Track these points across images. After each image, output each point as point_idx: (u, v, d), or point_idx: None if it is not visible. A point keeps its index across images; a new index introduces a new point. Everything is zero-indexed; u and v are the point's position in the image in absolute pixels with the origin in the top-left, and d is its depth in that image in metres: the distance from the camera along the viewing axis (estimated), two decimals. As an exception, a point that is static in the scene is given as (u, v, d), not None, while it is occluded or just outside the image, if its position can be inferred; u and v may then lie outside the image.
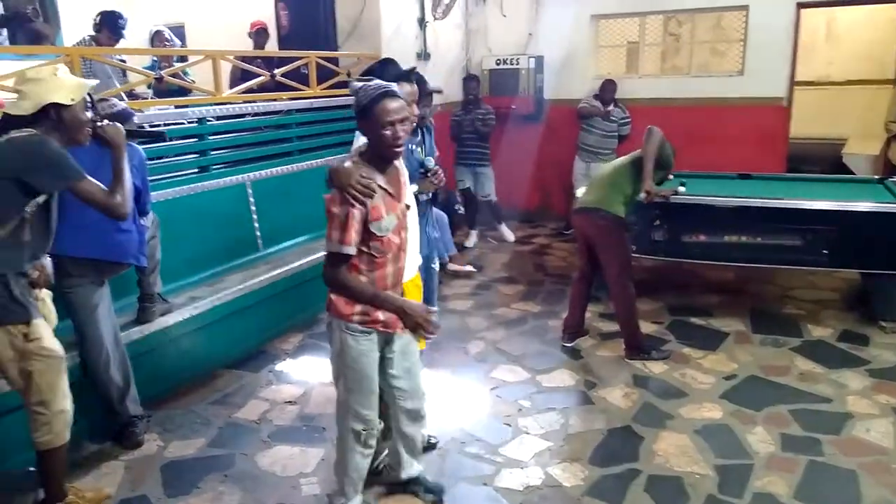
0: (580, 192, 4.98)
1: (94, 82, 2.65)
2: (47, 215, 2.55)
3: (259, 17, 6.51)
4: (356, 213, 2.19)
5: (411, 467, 2.86)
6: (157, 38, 6.38)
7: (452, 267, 5.95)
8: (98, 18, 5.03)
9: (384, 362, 2.51)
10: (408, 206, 2.43)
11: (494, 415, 3.60)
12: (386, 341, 2.48)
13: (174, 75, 4.66)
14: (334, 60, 5.77)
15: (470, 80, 6.84)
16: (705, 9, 6.97)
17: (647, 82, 7.26)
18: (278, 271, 4.46)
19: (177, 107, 4.76)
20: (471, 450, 3.27)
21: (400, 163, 2.40)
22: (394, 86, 2.23)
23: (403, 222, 2.37)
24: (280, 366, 4.24)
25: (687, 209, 4.65)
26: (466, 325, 4.84)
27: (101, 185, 2.55)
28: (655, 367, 4.07)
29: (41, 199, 2.45)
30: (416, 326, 2.34)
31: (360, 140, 2.71)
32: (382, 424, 2.65)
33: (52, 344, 2.58)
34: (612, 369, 4.09)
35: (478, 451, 3.26)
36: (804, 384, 3.83)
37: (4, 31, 5.86)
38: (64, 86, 2.46)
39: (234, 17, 6.82)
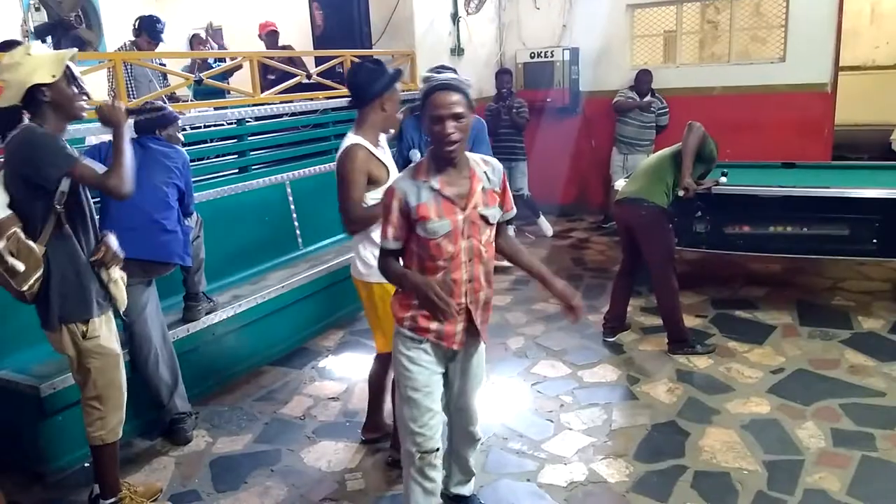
0: (618, 184, 4.93)
1: (72, 52, 2.52)
2: (79, 201, 2.50)
3: (296, 16, 6.57)
4: (394, 206, 2.13)
5: (461, 485, 2.73)
6: (194, 41, 6.51)
7: (490, 262, 5.94)
8: (137, 23, 5.15)
9: (445, 380, 2.41)
10: (484, 219, 2.21)
11: (536, 410, 3.59)
12: (449, 357, 2.36)
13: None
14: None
15: (503, 73, 6.81)
16: (744, -6, 6.83)
17: (685, 71, 7.13)
18: (319, 269, 4.51)
19: (216, 108, 4.84)
20: (513, 445, 3.27)
21: (477, 169, 2.22)
22: (461, 78, 2.13)
23: (466, 231, 2.18)
24: (322, 362, 4.28)
25: (730, 200, 4.56)
26: (506, 320, 4.83)
27: (98, 167, 2.45)
28: (700, 362, 4.01)
29: (58, 191, 2.40)
30: (430, 304, 2.13)
31: (346, 142, 2.73)
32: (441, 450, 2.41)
33: (109, 342, 2.60)
34: (656, 364, 4.04)
35: (520, 446, 3.25)
36: (855, 377, 3.73)
37: (49, 39, 6.02)
38: (42, 63, 2.35)
39: (271, 18, 6.89)
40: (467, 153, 2.22)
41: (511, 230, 6.94)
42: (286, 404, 3.78)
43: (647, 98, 6.65)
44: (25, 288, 2.40)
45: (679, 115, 6.54)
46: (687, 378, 3.84)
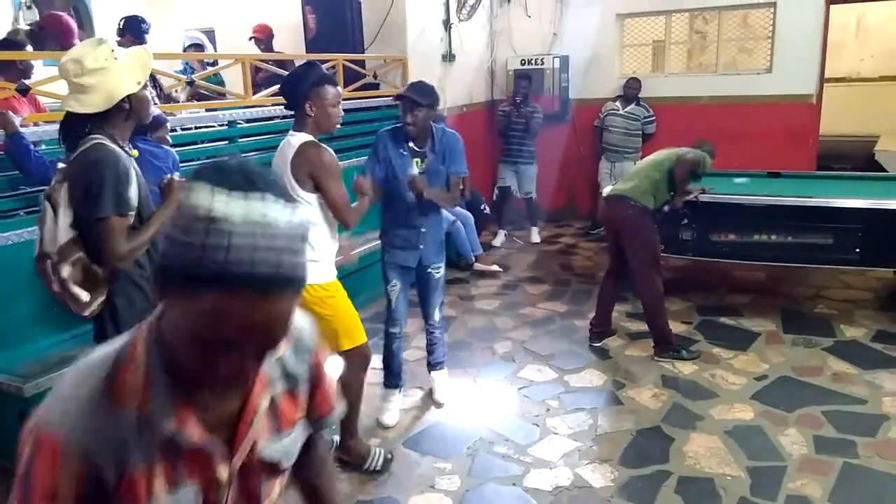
0: (606, 190, 4.97)
1: (150, 53, 2.35)
2: (143, 220, 2.34)
3: (289, 19, 6.54)
4: (62, 483, 0.85)
5: None
6: (192, 49, 6.50)
7: (479, 266, 5.97)
8: (122, 23, 5.13)
9: None
10: (273, 466, 1.04)
11: (522, 415, 3.61)
12: None
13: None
14: (361, 63, 5.82)
15: (522, 77, 6.83)
16: (732, 6, 6.90)
17: (673, 81, 7.20)
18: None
19: (208, 110, 4.83)
20: (499, 450, 3.28)
21: (270, 375, 1.02)
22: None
23: (231, 497, 0.99)
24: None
25: (716, 208, 4.61)
26: (493, 324, 4.85)
27: (124, 232, 2.22)
28: (685, 368, 4.05)
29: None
30: None
31: (297, 139, 2.77)
32: None
33: None
34: (641, 369, 4.07)
35: (506, 451, 3.27)
36: (838, 385, 3.78)
37: (39, 38, 5.98)
38: (129, 68, 2.22)
39: (264, 21, 6.89)
40: None
41: (502, 234, 7.00)
42: None
43: (631, 107, 6.71)
44: (87, 313, 2.28)
45: (667, 123, 6.62)
46: (672, 384, 3.87)
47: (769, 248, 4.65)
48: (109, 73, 2.17)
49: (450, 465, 3.16)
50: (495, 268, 6.03)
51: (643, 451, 3.23)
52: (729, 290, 5.31)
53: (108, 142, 2.21)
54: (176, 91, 5.04)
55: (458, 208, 6.05)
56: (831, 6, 6.42)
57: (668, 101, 6.93)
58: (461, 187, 3.57)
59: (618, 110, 6.80)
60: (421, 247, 3.48)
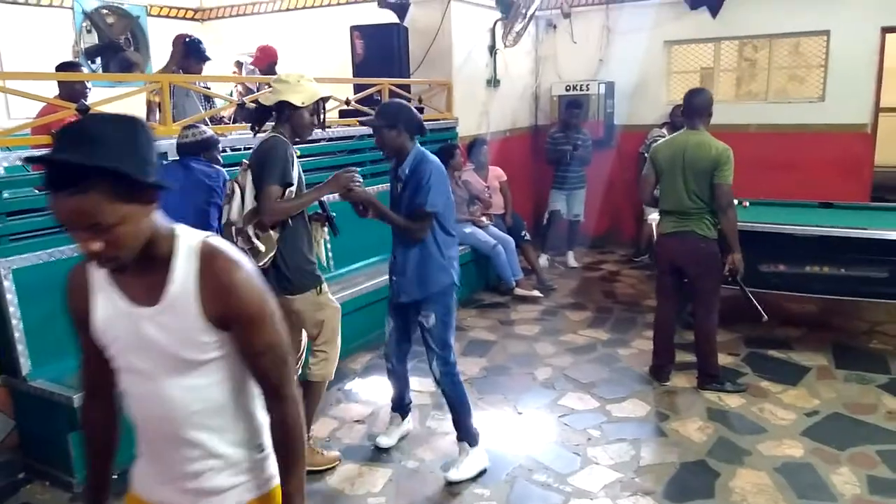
0: (652, 217, 4.90)
1: (325, 92, 3.09)
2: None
3: (337, 44, 6.65)
4: None
5: None
6: (236, 66, 6.69)
7: (519, 291, 5.93)
8: (182, 50, 5.31)
9: None
10: None
11: (563, 443, 3.55)
12: None
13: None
14: (406, 87, 5.90)
15: (573, 105, 6.85)
16: (783, 34, 6.81)
17: (721, 108, 7.03)
18: (348, 291, 4.54)
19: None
20: (539, 478, 3.23)
21: None
22: None
23: None
24: (349, 385, 4.29)
25: (765, 238, 4.49)
26: (534, 350, 4.80)
27: (279, 195, 2.87)
28: (731, 401, 3.93)
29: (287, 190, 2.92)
30: None
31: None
32: None
33: (332, 298, 3.25)
34: (686, 401, 3.97)
35: (546, 479, 3.21)
36: (893, 424, 3.62)
37: (99, 60, 6.25)
38: (300, 91, 2.92)
39: (312, 45, 7.04)
40: None
41: (544, 258, 6.92)
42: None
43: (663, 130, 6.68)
44: (261, 263, 2.87)
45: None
46: (718, 417, 3.76)
47: (821, 280, 4.51)
48: (287, 86, 2.94)
49: (488, 492, 3.12)
50: (535, 293, 5.98)
51: (687, 484, 3.14)
52: (778, 323, 5.15)
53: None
54: (226, 114, 5.19)
55: (500, 232, 6.05)
56: (887, 34, 6.28)
57: (716, 128, 6.70)
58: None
59: (664, 137, 6.73)
60: (394, 277, 3.27)
